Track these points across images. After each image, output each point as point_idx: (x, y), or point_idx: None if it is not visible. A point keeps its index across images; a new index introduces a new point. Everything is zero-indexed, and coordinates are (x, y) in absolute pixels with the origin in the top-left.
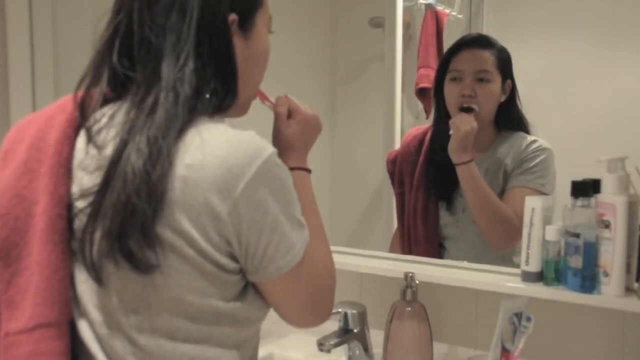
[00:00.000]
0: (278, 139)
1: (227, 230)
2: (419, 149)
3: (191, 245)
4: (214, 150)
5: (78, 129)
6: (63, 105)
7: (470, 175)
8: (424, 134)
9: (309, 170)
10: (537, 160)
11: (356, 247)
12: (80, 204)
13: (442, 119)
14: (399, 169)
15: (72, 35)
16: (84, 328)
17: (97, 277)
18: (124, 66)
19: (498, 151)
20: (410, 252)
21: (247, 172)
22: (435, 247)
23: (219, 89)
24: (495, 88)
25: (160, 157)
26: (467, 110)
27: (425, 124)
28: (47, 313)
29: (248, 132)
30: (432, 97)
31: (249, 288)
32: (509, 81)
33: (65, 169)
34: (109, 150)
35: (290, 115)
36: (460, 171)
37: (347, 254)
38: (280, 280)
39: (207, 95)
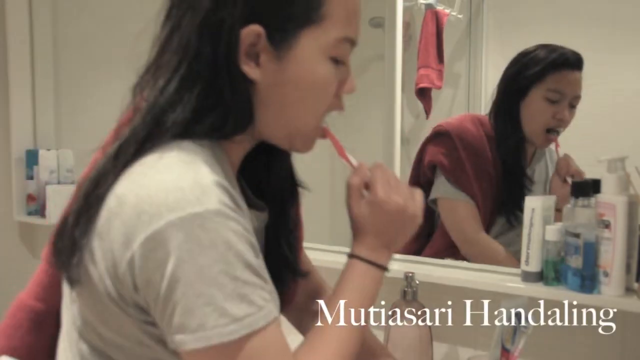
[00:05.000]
0: (349, 216)
1: (126, 279)
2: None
3: (100, 280)
4: (140, 187)
5: None
6: None
7: None
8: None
9: (379, 266)
10: None
11: None
12: None
13: (514, 129)
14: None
15: (72, 35)
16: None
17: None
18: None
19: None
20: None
21: (154, 224)
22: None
23: (215, 114)
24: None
25: (105, 177)
26: (555, 133)
27: (425, 124)
28: None
29: (198, 176)
30: (499, 99)
31: None
32: None
33: None
34: None
35: (366, 187)
36: None
37: None
38: (194, 357)
39: (193, 119)
